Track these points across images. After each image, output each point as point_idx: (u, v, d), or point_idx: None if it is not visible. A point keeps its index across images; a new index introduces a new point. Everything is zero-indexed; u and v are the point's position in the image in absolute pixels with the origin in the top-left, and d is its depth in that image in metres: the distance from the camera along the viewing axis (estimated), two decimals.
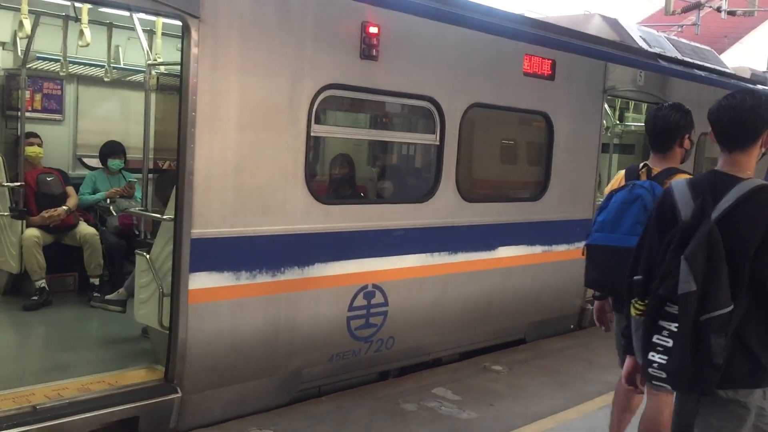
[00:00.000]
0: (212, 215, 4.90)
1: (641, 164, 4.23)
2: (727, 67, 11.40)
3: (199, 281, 4.88)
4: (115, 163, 7.61)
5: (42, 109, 7.68)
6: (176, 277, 4.85)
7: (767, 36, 36.68)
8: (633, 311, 3.11)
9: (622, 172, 4.35)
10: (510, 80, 6.92)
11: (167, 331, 4.97)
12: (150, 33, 6.54)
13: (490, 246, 6.96)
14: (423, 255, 6.32)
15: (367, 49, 5.63)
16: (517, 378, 6.37)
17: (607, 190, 4.33)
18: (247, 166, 5.04)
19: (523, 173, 8.00)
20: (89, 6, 5.74)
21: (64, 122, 7.89)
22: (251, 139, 5.04)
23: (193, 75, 4.70)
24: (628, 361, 3.35)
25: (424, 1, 6.14)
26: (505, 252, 7.10)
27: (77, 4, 5.96)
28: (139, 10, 4.91)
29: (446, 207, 6.44)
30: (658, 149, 4.21)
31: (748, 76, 12.00)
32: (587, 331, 8.14)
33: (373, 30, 5.64)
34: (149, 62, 5.54)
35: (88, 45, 5.39)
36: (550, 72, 7.28)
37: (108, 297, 6.33)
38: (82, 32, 5.45)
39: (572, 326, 8.24)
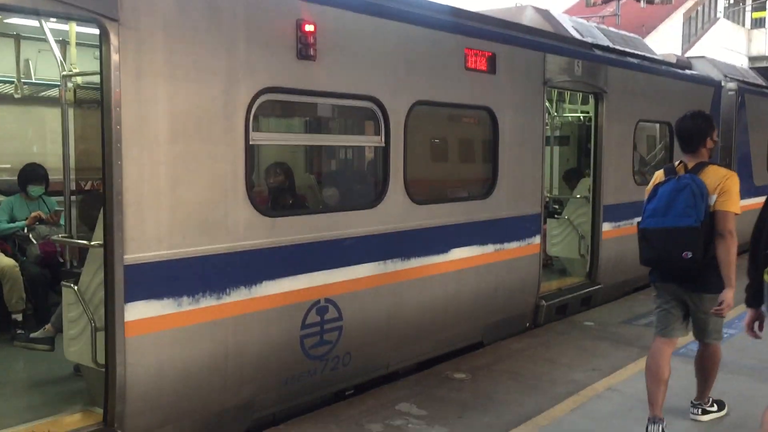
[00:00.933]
0: (146, 238, 4.44)
1: (677, 162, 5.02)
2: (656, 54, 11.50)
3: (136, 311, 4.42)
4: (35, 189, 6.98)
5: None
6: (110, 308, 4.37)
7: (679, 24, 37.93)
8: (766, 277, 3.94)
9: (661, 171, 5.08)
10: (452, 76, 6.66)
11: (103, 369, 4.47)
12: (64, 43, 5.99)
13: (443, 249, 6.68)
14: (375, 264, 5.98)
15: (304, 49, 5.26)
16: (482, 385, 6.10)
17: (650, 186, 5.04)
18: (182, 182, 4.60)
19: (471, 171, 7.77)
20: None
21: None
22: (185, 152, 4.61)
23: (115, 85, 4.24)
24: (749, 312, 4.18)
25: None
26: (458, 254, 6.84)
27: None
28: (49, 15, 4.41)
29: (396, 211, 6.13)
30: (687, 150, 4.98)
31: (674, 61, 12.16)
32: (544, 328, 7.97)
33: (309, 28, 5.28)
34: (64, 74, 5.03)
35: None
36: (491, 66, 7.06)
37: (33, 335, 5.73)
38: None
39: (528, 324, 8.06)
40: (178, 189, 4.58)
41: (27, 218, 6.84)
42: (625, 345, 7.29)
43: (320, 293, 5.53)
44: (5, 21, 6.28)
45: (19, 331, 6.17)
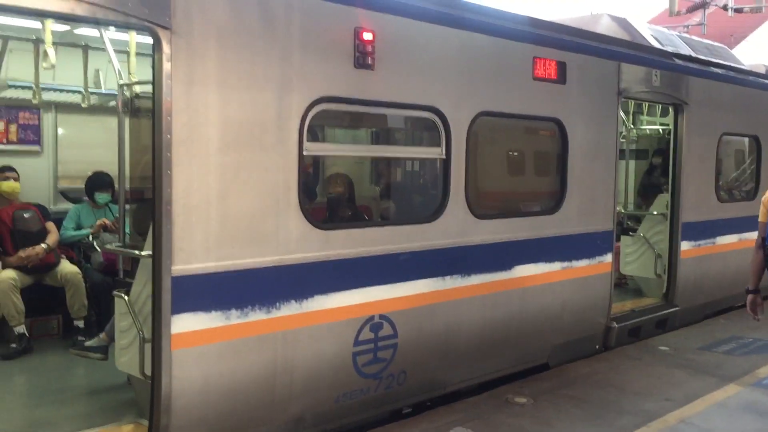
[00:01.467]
0: (195, 249, 4.37)
1: None
2: (742, 64, 10.87)
3: (183, 324, 4.34)
4: (102, 196, 7.09)
5: (18, 141, 7.19)
6: (157, 320, 4.31)
7: None
8: None
9: None
10: (519, 85, 6.40)
11: (150, 381, 4.42)
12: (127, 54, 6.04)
13: (506, 265, 6.40)
14: (433, 279, 5.77)
15: (362, 58, 5.13)
16: (543, 411, 5.78)
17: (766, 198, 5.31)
18: (233, 192, 4.52)
19: (538, 185, 7.45)
20: (58, 28, 5.26)
21: (42, 154, 7.39)
22: (236, 162, 4.52)
23: (166, 93, 4.20)
24: None
25: (423, 4, 5.63)
26: (522, 271, 6.54)
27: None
28: (102, 23, 4.42)
29: (456, 226, 5.90)
30: None
31: (764, 72, 11.48)
32: (615, 352, 7.55)
33: (367, 36, 5.14)
34: (121, 82, 5.05)
35: (53, 67, 4.88)
36: (561, 75, 6.76)
37: (88, 343, 5.78)
38: (46, 53, 4.97)
39: (597, 347, 7.65)
40: (229, 199, 4.50)
41: (92, 226, 6.94)
42: (703, 374, 6.80)
43: (375, 309, 5.36)
44: (75, 32, 6.39)
45: (79, 338, 6.25)
